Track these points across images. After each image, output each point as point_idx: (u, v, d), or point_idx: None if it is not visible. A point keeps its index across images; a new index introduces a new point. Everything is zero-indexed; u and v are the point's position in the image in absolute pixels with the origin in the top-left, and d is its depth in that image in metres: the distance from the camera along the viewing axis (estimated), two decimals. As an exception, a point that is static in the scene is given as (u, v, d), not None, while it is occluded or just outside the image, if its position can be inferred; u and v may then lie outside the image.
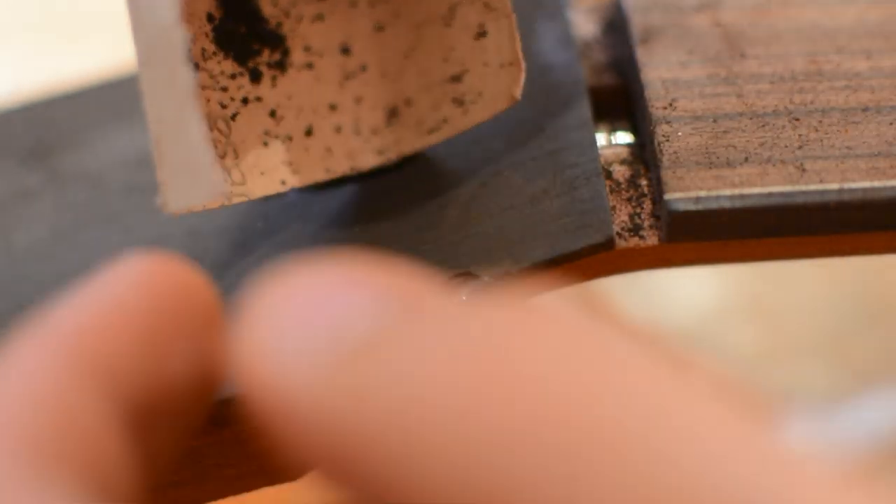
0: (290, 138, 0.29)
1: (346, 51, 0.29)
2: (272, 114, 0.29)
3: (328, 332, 0.16)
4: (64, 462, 0.16)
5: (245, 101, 0.29)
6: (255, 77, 0.29)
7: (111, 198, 0.31)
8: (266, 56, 0.29)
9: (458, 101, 0.29)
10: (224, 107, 0.28)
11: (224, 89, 0.28)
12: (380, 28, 0.29)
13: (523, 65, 0.28)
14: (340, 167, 0.29)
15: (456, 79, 0.29)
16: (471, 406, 0.15)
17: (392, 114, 0.29)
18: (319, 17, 0.29)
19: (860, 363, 0.57)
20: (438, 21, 0.29)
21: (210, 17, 0.28)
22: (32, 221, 0.31)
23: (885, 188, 0.28)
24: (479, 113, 0.29)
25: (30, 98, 0.34)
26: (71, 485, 0.16)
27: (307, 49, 0.29)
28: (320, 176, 0.29)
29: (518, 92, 0.28)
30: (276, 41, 0.29)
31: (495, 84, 0.29)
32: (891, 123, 0.30)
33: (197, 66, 0.28)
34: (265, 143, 0.29)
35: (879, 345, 0.57)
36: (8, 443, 0.16)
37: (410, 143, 0.29)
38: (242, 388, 0.16)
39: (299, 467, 0.16)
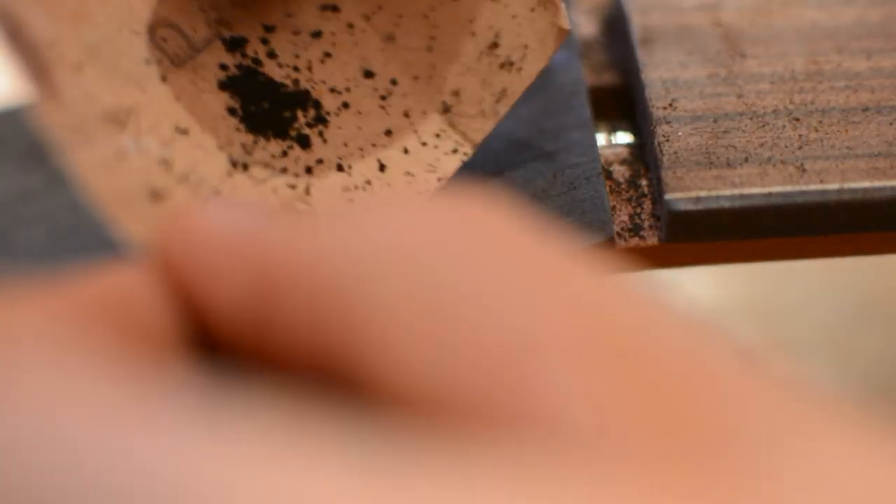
0: (368, 182, 0.28)
1: (368, 74, 0.29)
2: (339, 168, 0.28)
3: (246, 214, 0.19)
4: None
5: (308, 170, 0.28)
6: (304, 143, 0.28)
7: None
8: (302, 118, 0.28)
9: (508, 64, 0.28)
10: (293, 187, 0.28)
11: (284, 170, 0.28)
12: (389, 38, 0.29)
13: None
14: (429, 184, 0.29)
15: (493, 46, 0.28)
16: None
17: (446, 110, 0.29)
18: (327, 55, 0.29)
19: (860, 363, 0.57)
20: (446, 1, 0.29)
21: (232, 112, 0.27)
22: (32, 221, 0.31)
23: (885, 188, 0.28)
24: (534, 64, 0.28)
25: (30, 98, 0.34)
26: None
27: (333, 90, 0.28)
28: None
29: (564, 22, 0.28)
30: (303, 98, 0.28)
31: (536, 29, 0.28)
32: (891, 123, 0.30)
33: (246, 167, 0.27)
34: (350, 199, 0.28)
35: (879, 345, 0.57)
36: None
37: (479, 127, 0.29)
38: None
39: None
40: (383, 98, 0.28)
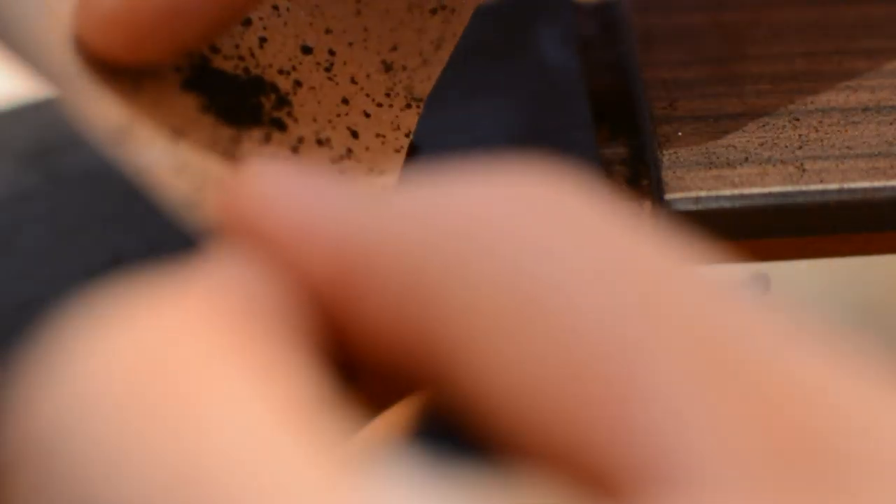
0: (350, 150, 0.28)
1: (307, 50, 0.29)
2: (319, 142, 0.28)
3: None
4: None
5: (295, 150, 0.28)
6: (280, 125, 0.28)
7: (111, 198, 0.31)
8: (267, 103, 0.28)
9: (440, 7, 0.28)
10: None
11: (274, 155, 0.28)
12: (315, 11, 0.29)
13: None
14: (400, 141, 0.28)
15: None
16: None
17: (388, 68, 0.29)
18: (263, 40, 0.28)
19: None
20: None
21: (206, 109, 0.27)
22: (32, 221, 0.31)
23: (885, 188, 0.28)
24: (467, 3, 0.28)
25: (30, 98, 0.34)
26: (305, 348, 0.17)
27: (282, 72, 0.28)
28: (398, 160, 0.28)
29: None
30: (259, 84, 0.28)
31: None
32: (891, 123, 0.30)
33: (240, 160, 0.27)
34: (341, 171, 0.28)
35: (879, 345, 0.57)
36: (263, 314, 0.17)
37: (425, 76, 0.28)
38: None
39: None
40: (328, 70, 0.28)
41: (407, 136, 0.28)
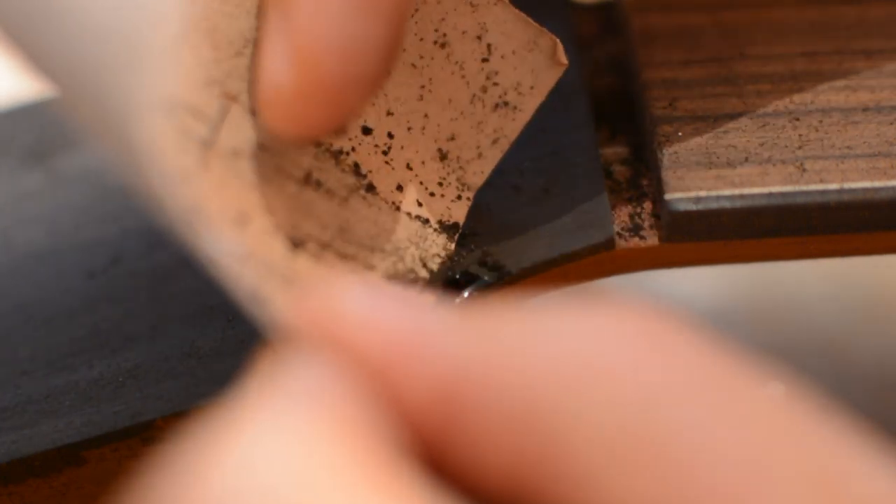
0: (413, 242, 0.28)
1: (366, 131, 0.28)
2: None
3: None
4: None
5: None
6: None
7: (111, 198, 0.31)
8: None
9: (503, 104, 0.28)
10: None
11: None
12: (379, 92, 0.28)
13: (546, 31, 0.27)
14: (451, 237, 0.28)
15: (485, 89, 0.28)
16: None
17: (443, 157, 0.29)
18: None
19: (860, 364, 0.57)
20: (432, 47, 0.28)
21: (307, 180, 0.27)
22: (32, 221, 0.31)
23: (885, 188, 0.28)
24: (530, 102, 0.28)
25: (30, 98, 0.34)
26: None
27: (341, 152, 0.28)
28: (443, 255, 0.28)
29: (561, 56, 0.27)
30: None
31: (530, 67, 0.28)
32: (891, 123, 0.30)
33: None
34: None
35: (880, 345, 0.57)
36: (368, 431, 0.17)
37: (479, 170, 0.28)
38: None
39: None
40: (385, 153, 0.28)
41: (458, 227, 0.28)
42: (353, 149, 0.28)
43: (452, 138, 0.28)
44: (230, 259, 0.23)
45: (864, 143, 0.29)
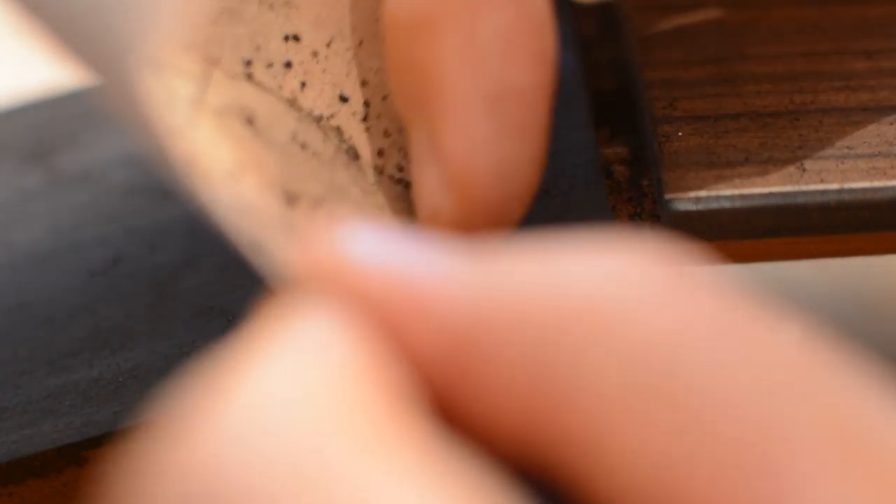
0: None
1: (343, 98, 0.28)
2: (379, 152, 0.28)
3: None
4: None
5: None
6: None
7: (111, 198, 0.31)
8: None
9: None
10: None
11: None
12: (353, 61, 0.29)
13: None
14: None
15: None
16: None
17: None
18: (303, 84, 0.28)
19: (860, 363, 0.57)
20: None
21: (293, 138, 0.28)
22: (32, 221, 0.31)
23: (885, 188, 0.28)
24: None
25: (30, 98, 0.34)
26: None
27: (321, 118, 0.28)
28: None
29: None
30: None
31: None
32: (891, 123, 0.30)
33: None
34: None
35: (879, 345, 0.57)
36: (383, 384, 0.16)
37: None
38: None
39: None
40: (364, 120, 0.28)
41: None
42: (332, 115, 0.28)
43: None
44: (229, 211, 0.23)
45: (864, 143, 0.29)
